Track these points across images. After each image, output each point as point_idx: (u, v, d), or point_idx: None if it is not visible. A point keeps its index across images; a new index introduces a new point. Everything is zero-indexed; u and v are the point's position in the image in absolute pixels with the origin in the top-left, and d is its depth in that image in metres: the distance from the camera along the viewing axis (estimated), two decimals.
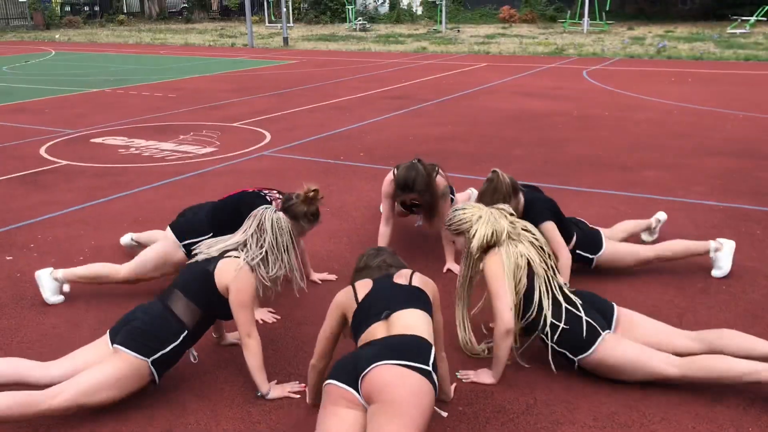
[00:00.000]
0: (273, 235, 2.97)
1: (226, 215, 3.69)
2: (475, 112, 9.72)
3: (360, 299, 2.62)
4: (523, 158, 6.98)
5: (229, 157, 7.15)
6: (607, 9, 25.33)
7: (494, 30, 26.97)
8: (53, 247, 4.69)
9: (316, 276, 4.12)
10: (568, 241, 3.84)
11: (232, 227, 3.29)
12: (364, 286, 2.67)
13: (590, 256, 3.99)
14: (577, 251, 3.96)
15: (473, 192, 5.33)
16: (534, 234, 3.12)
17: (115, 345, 2.83)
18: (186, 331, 2.90)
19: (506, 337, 2.89)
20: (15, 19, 33.75)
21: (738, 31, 22.16)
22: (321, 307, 3.74)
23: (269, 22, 30.25)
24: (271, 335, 3.46)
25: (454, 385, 2.91)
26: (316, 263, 4.28)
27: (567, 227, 3.91)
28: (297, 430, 2.69)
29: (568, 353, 2.94)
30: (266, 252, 2.95)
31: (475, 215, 3.02)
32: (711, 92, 11.23)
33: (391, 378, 2.30)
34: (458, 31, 26.53)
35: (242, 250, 2.97)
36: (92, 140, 8.10)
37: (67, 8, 35.18)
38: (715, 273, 4.03)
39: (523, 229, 3.11)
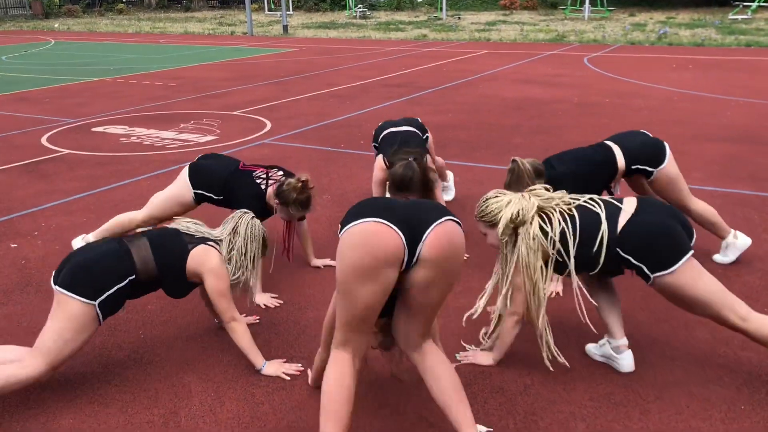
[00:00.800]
0: (244, 241, 3.09)
1: (232, 191, 3.86)
2: (475, 100, 9.74)
3: None
4: (524, 145, 7.01)
5: (230, 145, 7.19)
6: None
7: (495, 17, 26.90)
8: (57, 234, 4.74)
9: (318, 262, 4.17)
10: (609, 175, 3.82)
11: (232, 203, 3.82)
12: None
13: (650, 170, 3.86)
14: (633, 167, 3.84)
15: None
16: (572, 202, 2.92)
17: (56, 287, 2.76)
18: (135, 277, 2.84)
19: (515, 327, 2.92)
20: (13, 8, 33.66)
21: (740, 17, 22.09)
22: (322, 293, 3.81)
23: (269, 10, 30.18)
24: (274, 319, 3.52)
25: (452, 365, 2.96)
26: (316, 249, 4.33)
27: (600, 168, 3.81)
28: (299, 410, 2.75)
29: (645, 268, 2.75)
30: (233, 255, 3.07)
31: (504, 201, 2.93)
32: (711, 78, 11.23)
33: (460, 240, 2.20)
34: (459, 18, 26.46)
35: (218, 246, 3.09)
36: (93, 129, 8.14)
37: None
38: (718, 258, 4.07)
39: (561, 200, 2.94)
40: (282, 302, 3.71)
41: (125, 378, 3.00)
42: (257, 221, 3.18)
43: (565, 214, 2.84)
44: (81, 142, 7.47)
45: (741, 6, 23.25)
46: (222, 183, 3.88)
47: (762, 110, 8.54)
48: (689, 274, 2.71)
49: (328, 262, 4.20)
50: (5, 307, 3.68)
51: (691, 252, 2.73)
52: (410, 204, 2.25)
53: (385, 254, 2.11)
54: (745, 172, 5.88)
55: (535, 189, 2.99)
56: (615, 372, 2.96)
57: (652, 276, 2.74)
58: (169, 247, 2.95)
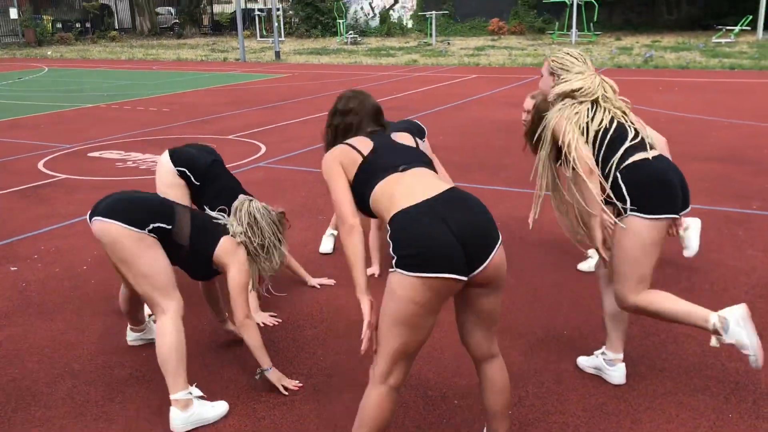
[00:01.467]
0: (270, 228, 3.09)
1: (218, 193, 3.74)
2: (465, 123, 9.90)
3: (364, 153, 2.41)
4: (514, 166, 7.14)
5: None
6: (595, 20, 25.69)
7: (484, 42, 27.27)
8: (56, 257, 4.81)
9: (314, 281, 4.25)
10: None
11: (207, 196, 3.73)
12: (362, 143, 2.48)
13: None
14: None
15: None
16: (620, 116, 2.89)
17: (96, 218, 2.79)
18: (172, 229, 2.89)
19: (591, 178, 2.76)
20: (6, 36, 33.84)
21: (723, 40, 22.52)
22: (320, 311, 3.89)
23: (261, 37, 30.48)
24: (273, 337, 3.59)
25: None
26: (313, 270, 4.41)
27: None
28: (299, 425, 2.81)
29: (629, 202, 2.74)
30: (267, 244, 3.07)
31: (578, 68, 2.95)
32: (697, 100, 11.45)
33: (504, 260, 2.27)
34: (448, 43, 26.80)
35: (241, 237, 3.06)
36: (89, 154, 8.22)
37: (59, 25, 35.28)
38: (686, 253, 4.20)
39: (615, 107, 2.91)
40: (280, 321, 3.78)
41: (128, 395, 3.06)
42: (260, 203, 3.15)
43: (608, 118, 2.85)
44: (77, 167, 7.55)
45: (724, 30, 23.68)
46: (205, 168, 3.74)
47: (745, 131, 8.73)
48: (655, 233, 2.74)
49: (324, 281, 4.28)
50: (7, 329, 3.74)
51: (674, 216, 2.76)
52: (467, 225, 2.16)
53: (453, 294, 2.21)
54: (730, 191, 6.02)
55: (609, 83, 2.95)
56: (607, 383, 3.05)
57: (628, 211, 2.74)
58: (205, 227, 3.01)
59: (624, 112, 2.94)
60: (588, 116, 2.84)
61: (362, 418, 2.29)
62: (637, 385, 3.03)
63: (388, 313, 2.20)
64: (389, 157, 2.39)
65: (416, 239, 2.13)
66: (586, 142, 2.82)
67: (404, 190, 2.24)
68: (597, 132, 2.83)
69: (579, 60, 3.01)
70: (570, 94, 2.89)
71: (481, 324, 2.35)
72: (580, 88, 2.87)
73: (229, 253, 3.00)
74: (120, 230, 2.77)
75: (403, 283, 2.14)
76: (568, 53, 3.03)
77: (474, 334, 2.38)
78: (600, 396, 2.95)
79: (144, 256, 2.80)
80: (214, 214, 3.14)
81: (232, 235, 3.04)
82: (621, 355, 3.05)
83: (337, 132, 2.78)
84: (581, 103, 2.88)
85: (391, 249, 2.17)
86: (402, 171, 2.32)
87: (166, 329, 2.79)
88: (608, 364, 3.06)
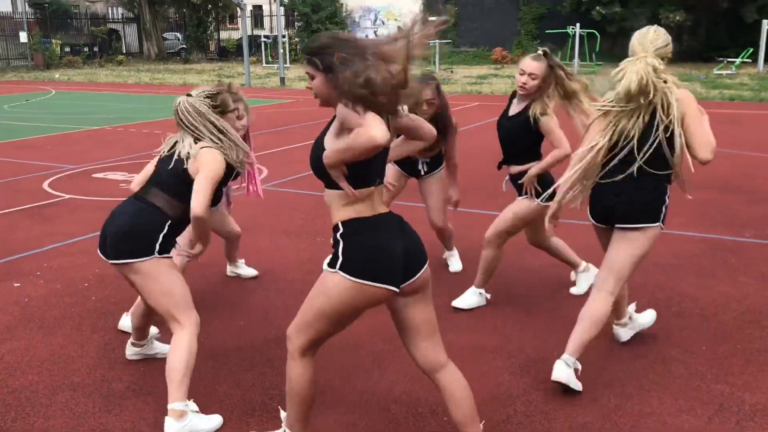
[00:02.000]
0: (209, 124, 3.13)
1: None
2: (466, 149, 10.00)
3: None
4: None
5: None
6: (597, 50, 25.98)
7: (487, 71, 27.57)
8: (59, 274, 4.89)
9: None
10: None
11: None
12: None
13: None
14: None
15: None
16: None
17: (112, 262, 2.99)
18: (170, 221, 3.00)
19: (570, 165, 3.28)
20: (16, 59, 34.28)
21: (724, 72, 22.74)
22: None
23: (266, 63, 30.84)
24: (269, 355, 3.65)
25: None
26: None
27: None
28: None
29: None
30: (216, 136, 3.10)
31: (639, 57, 3.12)
32: None
33: (429, 273, 2.48)
34: (452, 71, 27.11)
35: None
36: (94, 175, 8.35)
37: (67, 49, 35.74)
38: (574, 290, 4.44)
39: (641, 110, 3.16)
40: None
41: (125, 408, 3.12)
42: (187, 101, 3.17)
43: (630, 131, 3.17)
44: (82, 187, 7.67)
45: (725, 62, 23.93)
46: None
47: (742, 161, 8.83)
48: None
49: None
50: (9, 343, 3.81)
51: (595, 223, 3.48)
52: (413, 243, 2.41)
53: (383, 302, 2.45)
54: (723, 219, 6.10)
55: (676, 89, 3.18)
56: (594, 402, 3.11)
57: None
58: (175, 178, 3.03)
59: (662, 109, 3.16)
60: (624, 122, 3.16)
61: (296, 394, 2.57)
62: (624, 404, 3.08)
63: (317, 306, 2.41)
64: (379, 163, 2.37)
65: (374, 247, 2.30)
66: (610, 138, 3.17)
67: (369, 202, 2.35)
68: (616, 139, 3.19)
69: (637, 44, 3.23)
70: (629, 89, 3.11)
71: (420, 334, 2.49)
72: (638, 85, 3.08)
73: (194, 162, 3.00)
74: (135, 265, 2.96)
75: (342, 286, 2.32)
76: (638, 32, 3.26)
77: (418, 346, 2.51)
78: (587, 415, 3.01)
79: (161, 279, 2.97)
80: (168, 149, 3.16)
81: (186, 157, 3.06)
82: (565, 355, 3.16)
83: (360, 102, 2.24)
84: (629, 112, 3.15)
85: (340, 249, 2.31)
86: (376, 186, 2.38)
87: (183, 343, 2.91)
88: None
